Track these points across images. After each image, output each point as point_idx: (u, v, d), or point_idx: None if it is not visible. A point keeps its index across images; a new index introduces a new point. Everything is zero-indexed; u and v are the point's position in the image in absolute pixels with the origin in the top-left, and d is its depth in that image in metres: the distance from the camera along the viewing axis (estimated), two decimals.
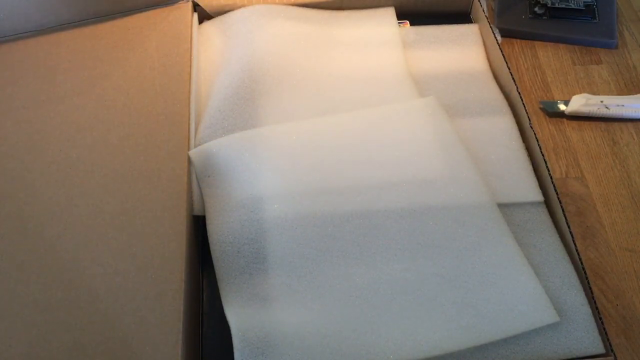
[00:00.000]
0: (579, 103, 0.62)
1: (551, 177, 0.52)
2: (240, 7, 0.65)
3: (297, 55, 0.61)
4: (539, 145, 0.53)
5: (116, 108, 0.55)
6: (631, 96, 0.64)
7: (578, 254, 0.48)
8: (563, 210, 0.50)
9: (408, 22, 0.67)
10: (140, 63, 0.58)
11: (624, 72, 0.67)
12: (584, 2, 0.71)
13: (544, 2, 0.71)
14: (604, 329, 0.45)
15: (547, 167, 0.52)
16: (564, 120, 0.63)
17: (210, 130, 0.55)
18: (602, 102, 0.62)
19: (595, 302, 0.46)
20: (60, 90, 0.56)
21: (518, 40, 0.71)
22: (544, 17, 0.71)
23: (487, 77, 0.62)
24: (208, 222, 0.50)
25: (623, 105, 0.62)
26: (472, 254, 0.48)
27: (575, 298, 0.46)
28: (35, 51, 0.60)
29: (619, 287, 0.52)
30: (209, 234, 0.50)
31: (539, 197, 0.52)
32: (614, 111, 0.62)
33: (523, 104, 0.57)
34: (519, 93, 0.57)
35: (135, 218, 0.48)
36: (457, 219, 0.49)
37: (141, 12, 0.63)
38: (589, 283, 0.47)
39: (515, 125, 0.57)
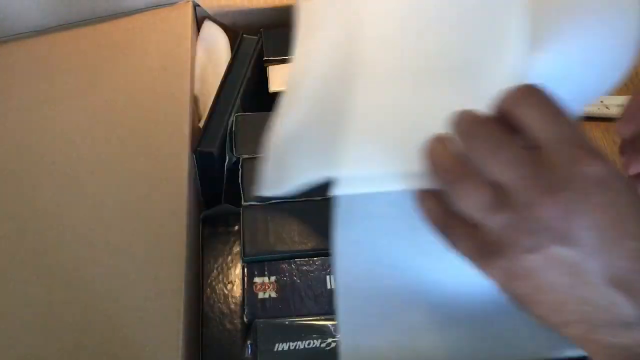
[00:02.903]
0: None
1: None
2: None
3: None
4: None
5: (116, 108, 0.55)
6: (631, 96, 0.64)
7: None
8: None
9: None
10: (140, 63, 0.58)
11: None
12: None
13: None
14: None
15: None
16: None
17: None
18: (602, 102, 0.62)
19: None
20: (60, 91, 0.56)
21: None
22: None
23: None
24: None
25: (623, 105, 0.62)
26: None
27: None
28: (35, 51, 0.60)
29: None
30: None
31: None
32: (614, 111, 0.62)
33: None
34: None
35: (135, 218, 0.48)
36: None
37: (141, 12, 0.62)
38: None
39: None
